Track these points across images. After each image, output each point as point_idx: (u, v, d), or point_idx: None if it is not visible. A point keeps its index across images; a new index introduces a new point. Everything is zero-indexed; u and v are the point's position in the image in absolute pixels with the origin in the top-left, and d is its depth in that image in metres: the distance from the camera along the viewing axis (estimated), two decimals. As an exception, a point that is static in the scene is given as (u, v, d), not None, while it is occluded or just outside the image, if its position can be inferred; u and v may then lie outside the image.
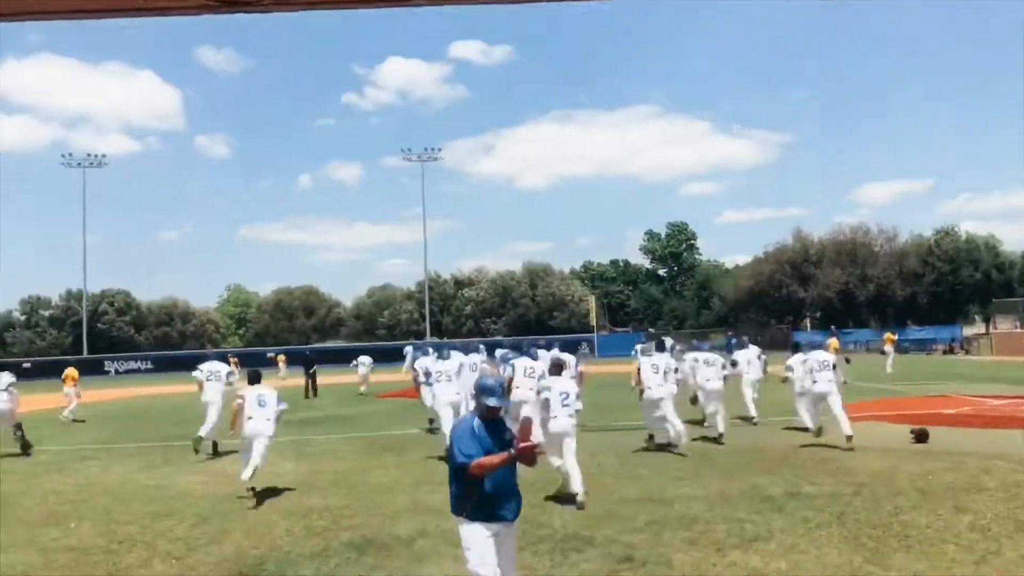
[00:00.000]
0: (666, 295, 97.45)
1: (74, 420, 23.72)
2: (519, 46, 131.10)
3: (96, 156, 72.38)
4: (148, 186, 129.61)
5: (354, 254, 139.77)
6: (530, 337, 45.61)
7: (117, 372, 61.24)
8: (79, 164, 71.42)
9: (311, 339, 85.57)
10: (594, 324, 70.58)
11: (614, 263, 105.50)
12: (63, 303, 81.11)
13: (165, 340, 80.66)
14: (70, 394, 24.31)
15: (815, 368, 14.15)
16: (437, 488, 11.27)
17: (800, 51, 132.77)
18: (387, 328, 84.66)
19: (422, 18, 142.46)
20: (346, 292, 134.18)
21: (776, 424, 16.93)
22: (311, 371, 31.24)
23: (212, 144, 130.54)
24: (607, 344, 65.12)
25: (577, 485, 9.97)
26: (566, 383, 10.80)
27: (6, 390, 16.84)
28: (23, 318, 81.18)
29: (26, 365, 62.58)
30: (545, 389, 10.70)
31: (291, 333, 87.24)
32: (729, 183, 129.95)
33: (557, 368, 11.30)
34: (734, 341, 31.18)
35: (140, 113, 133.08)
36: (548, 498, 10.19)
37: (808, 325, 72.56)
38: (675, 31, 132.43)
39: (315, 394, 30.31)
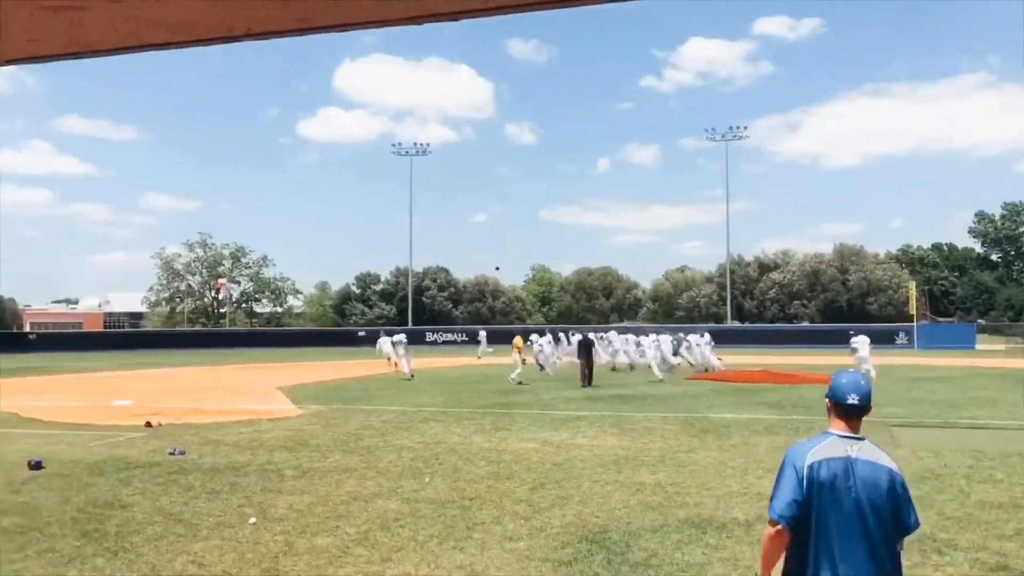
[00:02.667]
0: (1000, 282, 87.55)
1: (519, 383, 25.82)
2: (828, 19, 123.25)
3: (421, 145, 78.67)
4: (462, 172, 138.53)
5: (651, 236, 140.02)
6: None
7: (437, 343, 66.27)
8: (407, 152, 78.07)
9: (610, 319, 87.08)
10: (913, 313, 65.03)
11: (936, 247, 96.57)
12: (392, 279, 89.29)
13: (477, 315, 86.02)
14: (517, 360, 27.18)
15: None
16: (765, 474, 11.01)
17: None
18: (686, 311, 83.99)
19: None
20: (643, 274, 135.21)
21: None
22: (588, 355, 26.65)
23: (520, 131, 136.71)
24: (929, 335, 59.70)
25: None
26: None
27: None
28: (358, 291, 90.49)
29: (361, 334, 69.92)
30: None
31: (591, 313, 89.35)
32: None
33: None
34: None
35: (456, 104, 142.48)
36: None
37: None
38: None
39: (590, 382, 25.67)
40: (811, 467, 3.50)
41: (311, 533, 8.21)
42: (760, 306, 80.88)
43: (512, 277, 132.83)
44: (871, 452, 3.60)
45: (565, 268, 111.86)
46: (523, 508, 9.22)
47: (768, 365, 33.42)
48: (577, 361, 27.97)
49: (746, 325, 69.69)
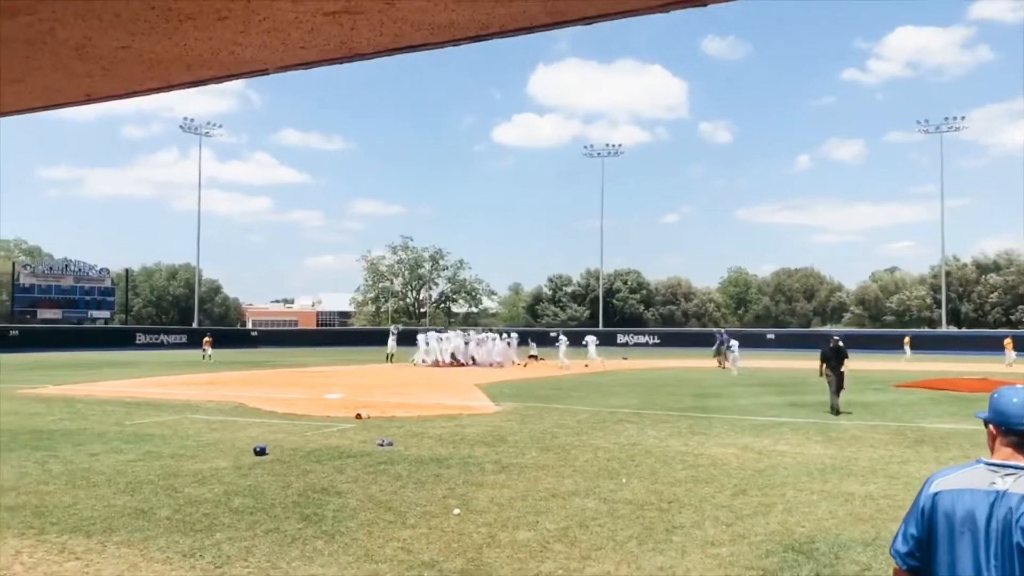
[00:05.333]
0: None
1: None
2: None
3: (614, 146, 78.86)
4: (654, 172, 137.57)
5: (854, 236, 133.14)
6: None
7: (628, 344, 66.03)
8: (599, 154, 78.56)
9: (811, 323, 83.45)
10: None
11: None
12: (583, 281, 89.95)
13: (669, 317, 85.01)
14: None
15: None
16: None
17: None
18: (895, 315, 79.06)
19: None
20: (847, 276, 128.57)
21: None
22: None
23: (714, 130, 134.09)
24: None
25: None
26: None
27: None
28: (550, 293, 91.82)
29: (553, 335, 71.00)
30: None
31: (791, 316, 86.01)
32: None
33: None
34: None
35: (649, 104, 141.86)
36: None
37: None
38: None
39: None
40: (934, 497, 2.80)
41: (512, 527, 8.40)
42: (979, 310, 74.84)
43: (706, 279, 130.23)
44: None
45: (762, 270, 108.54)
46: (724, 514, 9.00)
47: (989, 373, 30.87)
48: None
49: (963, 330, 64.61)
